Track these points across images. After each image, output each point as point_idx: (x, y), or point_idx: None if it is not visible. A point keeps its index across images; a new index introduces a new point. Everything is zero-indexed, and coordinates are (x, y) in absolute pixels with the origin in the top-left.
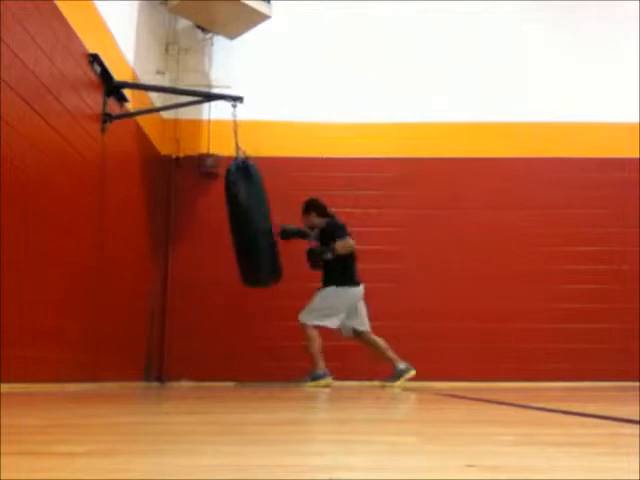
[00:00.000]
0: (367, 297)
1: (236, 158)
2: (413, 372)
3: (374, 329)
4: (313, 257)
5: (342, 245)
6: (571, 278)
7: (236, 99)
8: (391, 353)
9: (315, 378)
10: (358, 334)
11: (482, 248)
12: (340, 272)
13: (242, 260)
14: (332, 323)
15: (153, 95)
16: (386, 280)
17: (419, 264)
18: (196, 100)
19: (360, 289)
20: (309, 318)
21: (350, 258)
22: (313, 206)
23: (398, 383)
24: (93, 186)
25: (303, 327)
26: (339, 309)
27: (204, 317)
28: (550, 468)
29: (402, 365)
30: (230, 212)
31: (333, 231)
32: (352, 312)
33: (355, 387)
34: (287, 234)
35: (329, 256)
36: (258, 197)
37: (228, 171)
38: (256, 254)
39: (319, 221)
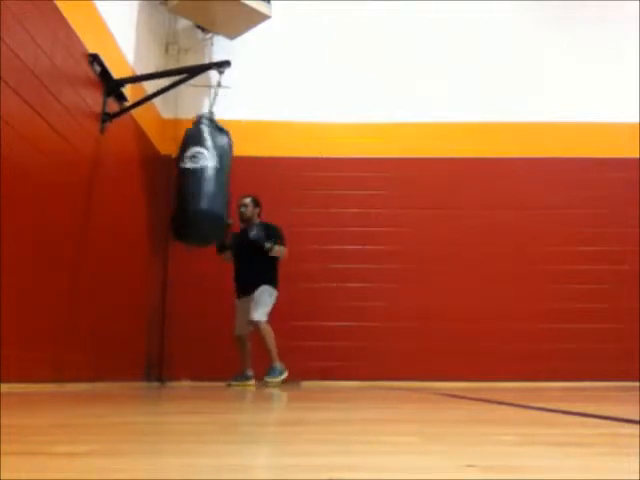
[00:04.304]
0: (368, 297)
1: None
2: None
3: (376, 330)
4: (257, 242)
5: (283, 251)
6: (571, 278)
7: (222, 64)
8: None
9: (281, 372)
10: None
11: (482, 248)
12: (274, 274)
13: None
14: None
15: (151, 93)
16: (386, 280)
17: (419, 264)
18: (184, 77)
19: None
20: (263, 315)
21: (277, 263)
22: (259, 204)
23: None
24: (93, 186)
25: (258, 325)
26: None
27: (204, 317)
28: (550, 468)
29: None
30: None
31: (280, 235)
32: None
33: (355, 387)
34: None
35: (267, 247)
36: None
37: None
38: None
39: (255, 220)
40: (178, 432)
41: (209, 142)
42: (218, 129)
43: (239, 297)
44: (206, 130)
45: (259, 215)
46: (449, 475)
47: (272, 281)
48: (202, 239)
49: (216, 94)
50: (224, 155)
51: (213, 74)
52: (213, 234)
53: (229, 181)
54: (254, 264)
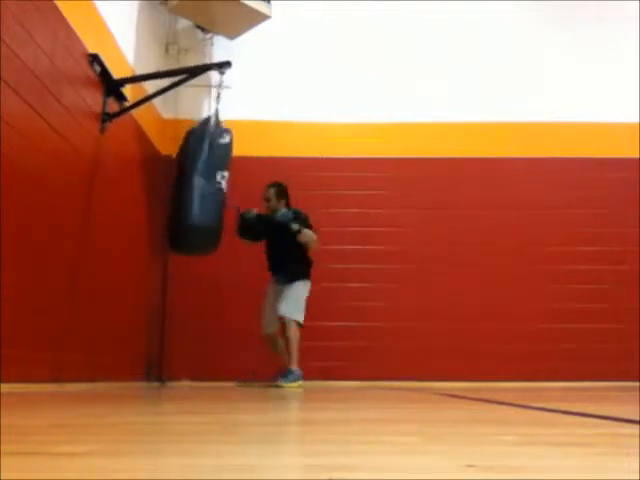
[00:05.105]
0: (368, 297)
1: (210, 120)
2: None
3: (376, 330)
4: (283, 224)
5: (310, 234)
6: (571, 278)
7: (223, 65)
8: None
9: (297, 378)
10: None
11: (482, 248)
12: (307, 265)
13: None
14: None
15: (151, 93)
16: (386, 280)
17: (419, 264)
18: (184, 78)
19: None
20: (293, 312)
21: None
22: (285, 193)
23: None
24: (93, 186)
25: (284, 321)
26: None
27: (204, 317)
28: (550, 468)
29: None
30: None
31: (307, 221)
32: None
33: (355, 387)
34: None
35: (295, 227)
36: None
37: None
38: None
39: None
40: (178, 432)
41: (209, 149)
42: (220, 131)
43: (272, 284)
44: (207, 138)
45: (287, 206)
46: (449, 475)
47: (305, 273)
48: (197, 251)
49: (219, 95)
50: (223, 158)
51: (213, 74)
52: (208, 245)
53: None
54: (287, 254)
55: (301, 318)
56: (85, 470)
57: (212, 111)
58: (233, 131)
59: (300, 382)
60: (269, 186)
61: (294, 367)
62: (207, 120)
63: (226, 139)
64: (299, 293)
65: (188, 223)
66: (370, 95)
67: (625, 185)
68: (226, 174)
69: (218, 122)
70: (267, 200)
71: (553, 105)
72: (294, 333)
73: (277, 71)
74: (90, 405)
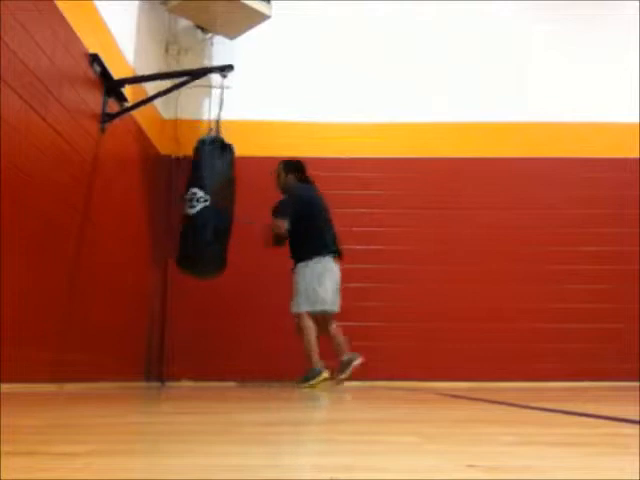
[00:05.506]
0: (368, 297)
1: (211, 130)
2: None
3: (376, 330)
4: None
5: (275, 225)
6: (571, 278)
7: (225, 68)
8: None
9: (312, 376)
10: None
11: (482, 248)
12: (309, 245)
13: (186, 238)
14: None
15: (151, 93)
16: (386, 280)
17: (419, 264)
18: (185, 80)
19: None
20: (299, 305)
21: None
22: (295, 167)
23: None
24: (93, 186)
25: (296, 319)
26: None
27: (204, 317)
28: (550, 468)
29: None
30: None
31: (276, 208)
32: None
33: (355, 387)
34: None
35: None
36: (228, 179)
37: (202, 142)
38: (205, 237)
39: (293, 187)
40: (178, 432)
41: (207, 176)
42: (221, 149)
43: None
44: (206, 160)
45: (301, 180)
46: (449, 475)
47: (306, 254)
48: (205, 277)
49: (221, 101)
50: (224, 181)
51: (214, 74)
52: (215, 271)
53: (232, 204)
54: (290, 241)
55: (307, 308)
56: (85, 470)
57: (213, 115)
58: (233, 131)
59: (314, 381)
60: (279, 163)
61: (312, 366)
62: (204, 140)
63: (227, 159)
64: (299, 285)
65: (188, 250)
66: (370, 95)
67: (625, 185)
68: (198, 192)
69: (217, 134)
70: (277, 177)
71: (553, 105)
72: (306, 330)
73: (277, 71)
74: (90, 405)
